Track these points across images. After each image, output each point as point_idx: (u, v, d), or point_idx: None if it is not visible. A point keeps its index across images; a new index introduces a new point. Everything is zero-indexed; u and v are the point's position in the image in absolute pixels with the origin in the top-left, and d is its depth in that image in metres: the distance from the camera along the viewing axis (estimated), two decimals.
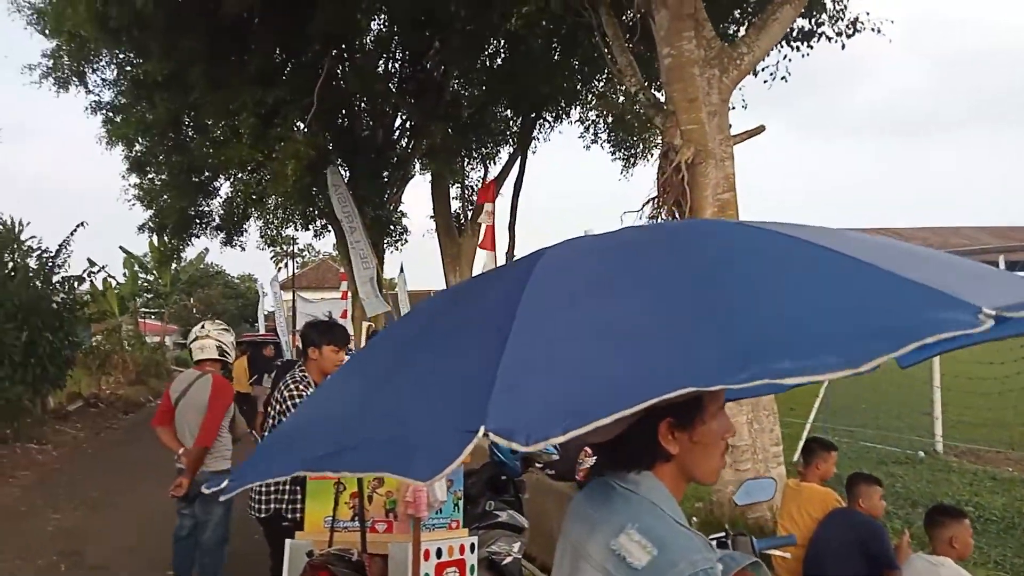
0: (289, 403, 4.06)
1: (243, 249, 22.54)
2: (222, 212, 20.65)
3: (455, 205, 17.99)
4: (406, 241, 20.06)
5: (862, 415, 10.74)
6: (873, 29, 11.07)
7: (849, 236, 1.41)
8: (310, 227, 21.11)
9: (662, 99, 7.58)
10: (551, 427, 0.92)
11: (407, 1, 12.51)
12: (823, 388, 9.29)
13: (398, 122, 17.94)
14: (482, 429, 0.94)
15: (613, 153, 17.90)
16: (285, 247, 30.03)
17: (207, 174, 18.82)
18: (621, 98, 14.00)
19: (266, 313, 26.62)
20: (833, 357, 0.93)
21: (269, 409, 4.45)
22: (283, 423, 2.78)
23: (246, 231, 21.56)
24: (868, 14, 10.94)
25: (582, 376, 1.01)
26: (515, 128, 17.42)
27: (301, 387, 4.13)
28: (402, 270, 20.54)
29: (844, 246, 1.21)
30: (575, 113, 17.20)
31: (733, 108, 12.83)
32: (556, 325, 1.15)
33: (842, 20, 11.06)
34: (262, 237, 23.53)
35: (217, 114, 14.09)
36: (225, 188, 20.15)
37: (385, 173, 17.81)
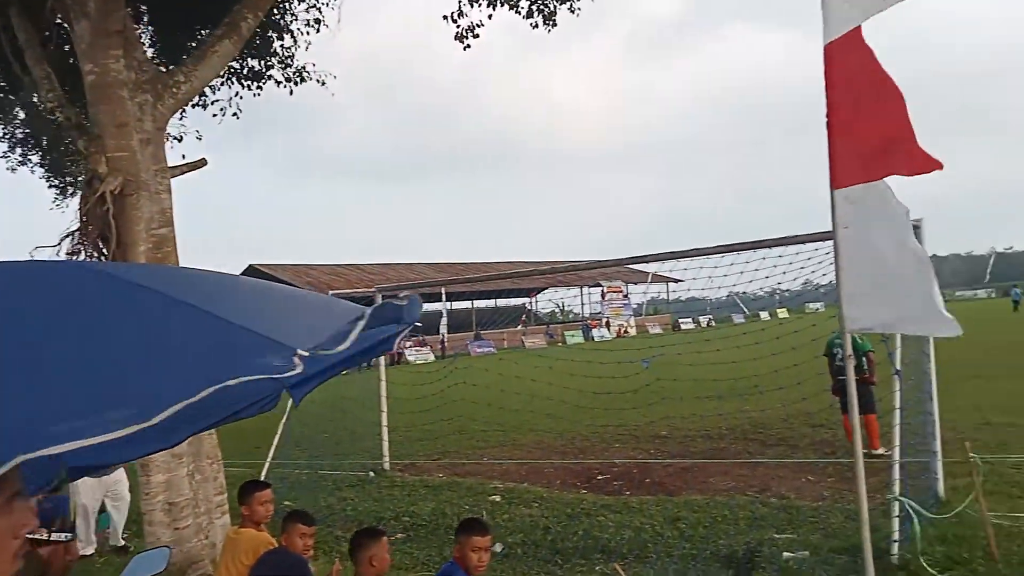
0: None
1: None
2: None
3: None
4: None
5: (323, 443, 11.18)
6: (318, 80, 11.89)
7: (212, 284, 1.45)
8: None
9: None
10: None
11: None
12: (281, 424, 9.35)
13: None
14: None
15: (47, 179, 15.38)
16: None
17: None
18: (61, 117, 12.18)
19: None
20: (123, 412, 0.91)
21: None
22: None
23: None
24: (315, 65, 11.69)
25: None
26: None
27: None
28: None
29: (196, 296, 1.23)
30: None
31: (181, 140, 12.34)
32: None
33: (290, 67, 11.60)
34: None
35: None
36: None
37: None
